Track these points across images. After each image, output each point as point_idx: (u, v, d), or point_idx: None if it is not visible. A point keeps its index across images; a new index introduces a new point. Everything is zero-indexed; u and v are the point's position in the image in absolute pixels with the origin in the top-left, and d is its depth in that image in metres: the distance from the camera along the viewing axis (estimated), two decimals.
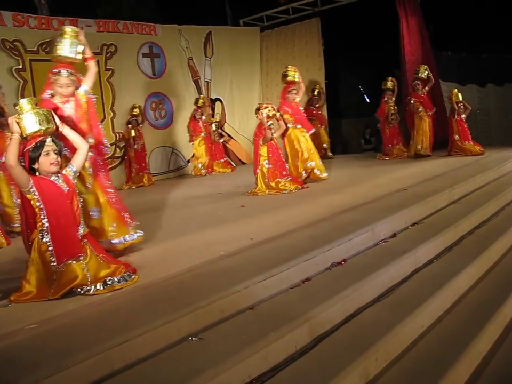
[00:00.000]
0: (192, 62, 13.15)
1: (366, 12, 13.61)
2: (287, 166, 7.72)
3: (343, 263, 4.16)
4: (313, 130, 8.40)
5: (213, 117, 12.94)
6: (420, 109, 10.50)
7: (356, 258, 4.33)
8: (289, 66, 8.43)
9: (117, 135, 11.53)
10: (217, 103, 13.54)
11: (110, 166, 10.82)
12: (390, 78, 11.30)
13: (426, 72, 9.95)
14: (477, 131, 13.10)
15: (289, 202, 6.40)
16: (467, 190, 6.86)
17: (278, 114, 7.92)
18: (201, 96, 12.51)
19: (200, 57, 13.34)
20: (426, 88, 10.51)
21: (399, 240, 4.84)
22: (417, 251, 4.49)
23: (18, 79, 10.23)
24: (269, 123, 7.58)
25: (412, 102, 10.55)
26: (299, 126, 8.09)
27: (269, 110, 7.63)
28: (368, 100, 17.87)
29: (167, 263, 4.05)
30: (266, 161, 7.49)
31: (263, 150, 7.53)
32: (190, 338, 2.93)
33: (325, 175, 8.13)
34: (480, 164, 8.70)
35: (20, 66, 10.27)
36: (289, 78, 8.19)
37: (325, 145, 12.41)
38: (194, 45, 13.22)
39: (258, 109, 7.78)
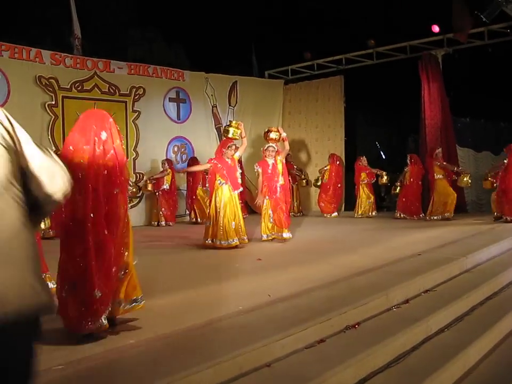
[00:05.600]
0: (216, 109, 13.55)
1: (388, 74, 13.98)
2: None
3: (357, 326, 4.27)
4: (240, 189, 8.10)
5: None
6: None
7: (369, 322, 4.42)
8: (233, 122, 8.32)
9: (138, 175, 11.80)
10: None
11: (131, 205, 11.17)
12: None
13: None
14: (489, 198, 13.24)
15: (305, 260, 6.56)
16: (480, 259, 6.93)
17: (283, 134, 8.43)
18: None
19: (224, 105, 13.76)
20: None
21: (412, 307, 4.93)
22: (429, 319, 4.57)
23: (50, 114, 10.62)
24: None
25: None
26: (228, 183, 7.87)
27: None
28: (384, 157, 18.11)
29: (186, 313, 4.18)
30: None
31: None
32: None
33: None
34: (494, 233, 8.80)
35: (53, 102, 10.67)
36: (229, 135, 8.04)
37: (295, 203, 12.94)
38: (220, 93, 13.66)
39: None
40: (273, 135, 8.47)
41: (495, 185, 10.49)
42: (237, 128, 8.04)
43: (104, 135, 3.62)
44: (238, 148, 8.06)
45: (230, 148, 7.91)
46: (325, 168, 12.93)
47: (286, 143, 8.68)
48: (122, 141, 3.84)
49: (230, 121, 8.68)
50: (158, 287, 4.97)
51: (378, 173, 12.41)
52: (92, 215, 3.49)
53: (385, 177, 12.39)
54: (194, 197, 11.76)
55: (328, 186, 12.80)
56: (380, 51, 13.47)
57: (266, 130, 8.65)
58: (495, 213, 10.56)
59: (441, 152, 11.28)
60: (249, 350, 3.42)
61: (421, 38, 12.76)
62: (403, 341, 4.17)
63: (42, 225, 7.11)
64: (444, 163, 11.22)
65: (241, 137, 8.24)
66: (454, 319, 4.94)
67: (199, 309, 4.33)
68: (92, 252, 3.46)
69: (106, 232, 3.53)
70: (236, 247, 7.65)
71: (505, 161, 10.33)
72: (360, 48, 13.73)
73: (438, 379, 3.75)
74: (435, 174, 11.20)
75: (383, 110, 15.44)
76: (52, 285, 4.67)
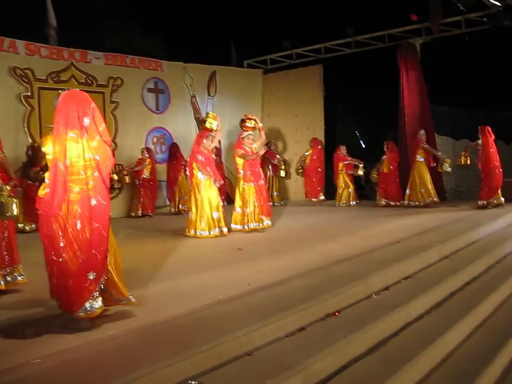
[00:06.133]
0: (195, 99, 13.47)
1: (367, 62, 14.03)
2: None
3: (337, 314, 4.29)
4: (221, 182, 8.17)
5: None
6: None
7: (349, 309, 4.44)
8: (210, 113, 8.41)
9: (117, 166, 11.69)
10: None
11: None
12: None
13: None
14: (468, 185, 13.44)
15: (284, 248, 6.57)
16: (458, 246, 7.00)
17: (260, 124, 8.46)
18: None
19: (203, 95, 13.69)
20: None
21: (391, 294, 4.97)
22: (408, 306, 4.61)
23: (26, 105, 10.45)
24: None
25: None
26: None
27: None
28: (363, 146, 18.19)
29: (167, 304, 4.18)
30: None
31: None
32: (190, 382, 3.04)
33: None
34: (472, 220, 8.89)
35: (29, 94, 10.49)
36: (207, 125, 8.07)
37: (275, 193, 13.17)
38: (199, 83, 13.57)
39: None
40: (249, 123, 8.45)
41: (468, 163, 10.62)
42: (214, 119, 8.11)
43: (86, 122, 3.57)
44: (213, 138, 8.08)
45: (207, 138, 7.95)
46: (306, 154, 12.92)
47: (262, 133, 8.69)
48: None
49: (207, 113, 8.65)
50: (139, 278, 4.95)
51: (356, 163, 12.46)
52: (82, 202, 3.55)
53: (360, 171, 12.44)
54: (175, 187, 11.70)
55: (311, 170, 12.82)
56: (359, 40, 13.47)
57: (242, 118, 8.61)
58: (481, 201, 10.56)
59: (424, 134, 11.33)
60: (229, 339, 3.41)
61: (400, 27, 12.78)
62: (383, 327, 4.19)
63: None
64: (427, 145, 11.32)
65: (259, 130, 8.53)
66: (433, 305, 4.99)
67: (179, 299, 4.31)
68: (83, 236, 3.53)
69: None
70: (217, 237, 7.69)
71: (478, 141, 10.42)
72: (339, 37, 13.71)
73: (418, 364, 3.79)
74: (417, 156, 11.23)
75: (363, 99, 15.51)
76: (20, 278, 4.68)
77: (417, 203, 11.17)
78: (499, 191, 10.35)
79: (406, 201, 11.38)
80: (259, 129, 8.59)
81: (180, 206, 11.70)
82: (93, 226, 3.53)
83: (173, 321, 3.73)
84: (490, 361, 4.13)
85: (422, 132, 11.31)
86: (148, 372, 2.93)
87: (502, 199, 10.33)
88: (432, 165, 11.17)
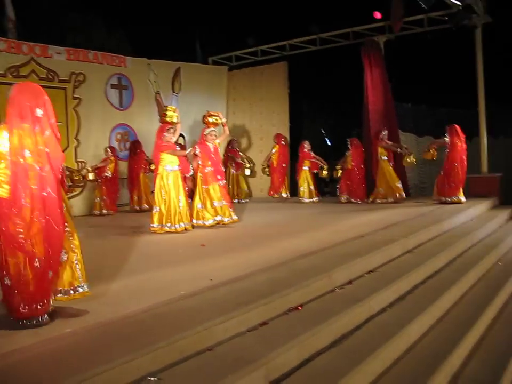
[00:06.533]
0: (160, 96, 13.32)
1: (332, 60, 14.10)
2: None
3: (299, 308, 4.27)
4: (191, 172, 8.32)
5: None
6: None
7: (312, 303, 4.43)
8: (168, 106, 8.44)
9: (80, 164, 11.49)
10: (180, 138, 13.63)
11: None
12: None
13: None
14: (431, 182, 13.61)
15: (248, 244, 6.52)
16: (421, 240, 7.08)
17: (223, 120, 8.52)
18: None
19: (167, 92, 13.56)
20: None
21: (355, 288, 4.98)
22: (371, 299, 4.62)
23: None
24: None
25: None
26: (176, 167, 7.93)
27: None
28: (329, 143, 18.30)
29: (128, 300, 4.09)
30: None
31: None
32: (149, 378, 2.97)
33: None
34: (434, 215, 9.01)
35: None
36: (167, 119, 8.09)
37: (240, 190, 13.20)
38: (163, 79, 13.43)
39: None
40: (212, 119, 8.42)
41: (435, 157, 10.76)
42: (174, 112, 8.14)
43: (39, 113, 3.47)
44: (174, 130, 8.05)
45: (169, 131, 7.92)
46: (273, 151, 12.88)
47: (226, 128, 8.73)
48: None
49: (166, 106, 8.57)
50: (99, 274, 4.80)
51: (321, 165, 12.50)
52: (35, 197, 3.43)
53: (325, 172, 12.48)
54: (135, 184, 11.54)
55: (276, 167, 12.79)
56: (323, 37, 13.53)
57: (204, 114, 8.57)
58: (435, 196, 10.86)
59: (387, 135, 11.49)
60: (190, 334, 3.36)
61: (364, 24, 12.89)
62: (346, 321, 4.20)
63: None
64: (389, 142, 11.48)
65: (223, 126, 8.59)
66: (396, 298, 5.03)
67: (140, 295, 4.22)
68: (39, 235, 3.43)
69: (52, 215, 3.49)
70: (181, 232, 7.65)
71: (446, 139, 10.57)
72: (304, 34, 13.73)
73: (380, 357, 3.80)
74: (380, 156, 11.39)
75: (328, 96, 15.59)
76: None
77: (384, 200, 11.28)
78: (461, 189, 10.55)
79: (371, 199, 11.49)
80: (222, 125, 8.56)
81: (142, 204, 11.52)
82: (44, 219, 3.43)
83: (132, 318, 3.65)
84: (450, 354, 4.16)
85: (385, 132, 11.45)
86: (105, 369, 2.85)
87: (463, 198, 10.52)
88: (391, 163, 11.34)
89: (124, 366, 2.93)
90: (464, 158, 10.48)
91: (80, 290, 3.90)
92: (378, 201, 11.37)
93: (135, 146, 11.79)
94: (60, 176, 3.64)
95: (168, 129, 7.93)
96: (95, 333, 3.40)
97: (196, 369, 3.12)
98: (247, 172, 13.20)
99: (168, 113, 8.09)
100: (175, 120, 8.09)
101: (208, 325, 3.49)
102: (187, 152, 8.33)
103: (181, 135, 13.62)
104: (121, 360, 2.94)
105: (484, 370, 4.27)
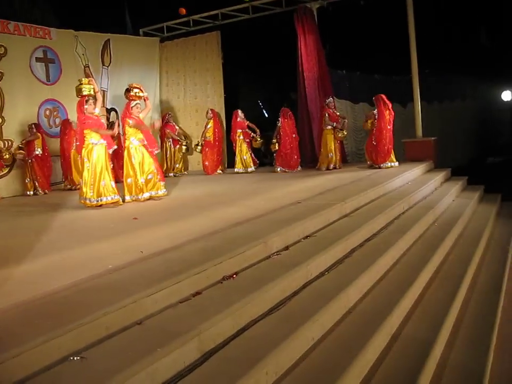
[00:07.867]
0: (89, 69, 12.83)
1: (265, 28, 13.88)
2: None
3: (234, 276, 4.15)
4: (115, 147, 8.19)
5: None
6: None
7: (248, 271, 4.34)
8: (83, 79, 8.18)
9: (7, 142, 10.93)
10: (113, 113, 13.23)
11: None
12: None
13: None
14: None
15: (182, 214, 6.31)
16: (358, 204, 7.09)
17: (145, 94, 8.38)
18: None
19: (97, 65, 13.05)
20: None
21: (292, 253, 4.91)
22: (308, 264, 4.55)
23: None
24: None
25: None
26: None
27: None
28: (266, 115, 18.15)
29: (50, 278, 3.83)
30: None
31: None
32: (71, 358, 2.78)
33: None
34: (371, 179, 9.06)
35: None
36: (86, 93, 7.80)
37: (176, 165, 13.00)
38: (92, 52, 12.91)
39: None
40: (134, 92, 8.23)
41: (374, 127, 10.85)
42: (89, 84, 7.89)
43: None
44: (95, 101, 7.79)
45: (88, 103, 7.67)
46: (208, 127, 12.62)
47: (148, 102, 8.56)
48: None
49: (79, 80, 8.16)
50: (20, 253, 4.49)
51: (252, 135, 12.35)
52: None
53: (258, 141, 12.39)
54: (68, 162, 11.10)
55: (212, 143, 12.55)
56: (256, 5, 13.26)
57: (127, 88, 8.38)
58: (368, 161, 11.07)
59: (332, 101, 11.50)
60: (116, 308, 3.18)
61: None
62: (283, 286, 4.11)
63: None
64: (337, 113, 11.52)
65: (145, 100, 8.42)
66: (334, 262, 4.99)
67: (64, 272, 3.97)
68: None
69: None
70: (111, 206, 7.53)
71: (374, 112, 10.73)
72: (236, 3, 13.43)
73: (320, 320, 3.74)
74: (324, 125, 11.38)
75: (263, 66, 15.38)
76: None
77: (324, 169, 11.30)
78: (392, 155, 10.80)
79: (318, 167, 11.54)
80: (144, 99, 8.38)
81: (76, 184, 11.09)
82: None
83: (54, 295, 3.44)
84: (389, 314, 4.14)
85: (330, 99, 11.44)
86: (22, 351, 2.65)
87: (396, 163, 10.82)
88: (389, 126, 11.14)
89: (43, 346, 2.74)
90: (391, 125, 10.71)
91: None
92: (322, 168, 11.35)
93: (65, 127, 11.31)
94: None
95: (87, 101, 7.68)
96: (14, 313, 3.17)
97: (124, 345, 2.96)
98: (184, 149, 13.02)
99: (82, 87, 7.81)
100: (92, 92, 7.82)
101: (136, 298, 3.33)
102: (114, 131, 8.25)
103: (114, 109, 13.23)
104: (40, 340, 2.75)
105: (422, 328, 4.27)
